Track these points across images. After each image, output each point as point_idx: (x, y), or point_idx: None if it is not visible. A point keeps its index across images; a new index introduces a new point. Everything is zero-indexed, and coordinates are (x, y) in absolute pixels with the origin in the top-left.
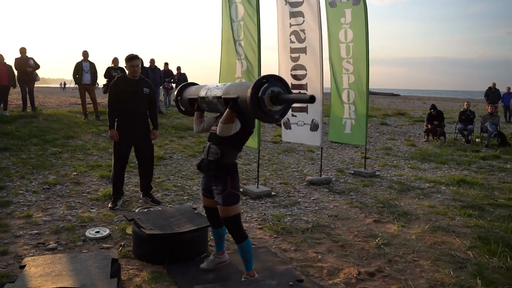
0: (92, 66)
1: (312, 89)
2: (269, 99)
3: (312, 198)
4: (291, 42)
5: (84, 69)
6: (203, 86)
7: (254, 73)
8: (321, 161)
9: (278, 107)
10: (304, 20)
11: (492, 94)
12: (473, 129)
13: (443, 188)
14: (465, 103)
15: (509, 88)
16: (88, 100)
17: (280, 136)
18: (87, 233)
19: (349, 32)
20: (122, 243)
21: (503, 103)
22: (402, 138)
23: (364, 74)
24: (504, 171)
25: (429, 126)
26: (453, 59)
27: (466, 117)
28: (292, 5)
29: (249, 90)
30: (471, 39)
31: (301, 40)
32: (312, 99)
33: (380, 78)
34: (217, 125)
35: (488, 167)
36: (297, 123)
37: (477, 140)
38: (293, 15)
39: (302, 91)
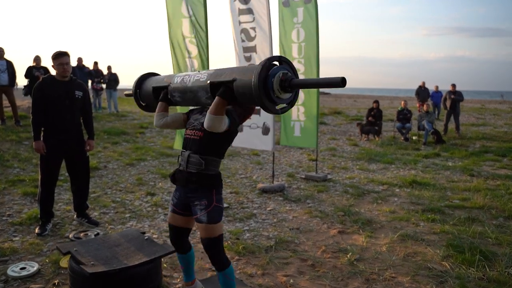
0: (9, 65)
1: None
2: (279, 83)
3: (268, 209)
4: (242, 40)
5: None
6: (176, 74)
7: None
8: (273, 167)
9: (287, 95)
10: (254, 18)
11: (422, 92)
12: (411, 127)
13: (397, 190)
14: (402, 102)
15: (437, 87)
16: (5, 103)
17: None
18: (9, 271)
19: (301, 32)
20: (56, 282)
21: (432, 101)
22: (343, 138)
23: (315, 74)
24: (448, 169)
25: (368, 119)
26: (376, 58)
27: (404, 115)
28: (242, 1)
29: (257, 69)
30: (391, 39)
31: (250, 39)
32: (343, 82)
33: None
34: (194, 128)
35: (433, 165)
36: (250, 126)
37: (413, 138)
38: (242, 12)
39: None
